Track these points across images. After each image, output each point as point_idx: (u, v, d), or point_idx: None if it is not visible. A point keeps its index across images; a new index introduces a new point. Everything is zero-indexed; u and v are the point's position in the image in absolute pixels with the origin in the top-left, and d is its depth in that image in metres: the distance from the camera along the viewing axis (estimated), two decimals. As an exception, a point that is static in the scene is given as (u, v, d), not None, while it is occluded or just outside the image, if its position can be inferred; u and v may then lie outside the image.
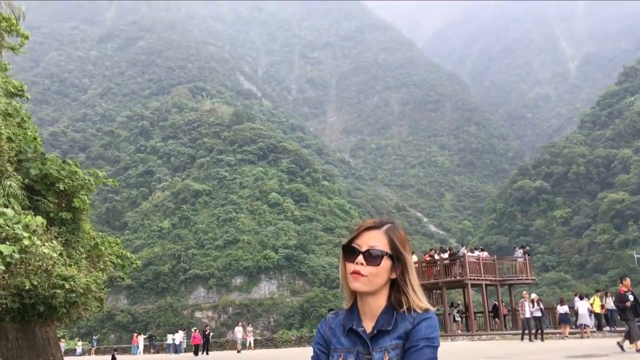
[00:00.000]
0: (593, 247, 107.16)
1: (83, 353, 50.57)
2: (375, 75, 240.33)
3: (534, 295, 23.30)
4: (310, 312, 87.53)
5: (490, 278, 29.48)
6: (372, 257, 1.77)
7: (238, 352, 32.36)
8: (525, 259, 31.29)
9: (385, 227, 1.83)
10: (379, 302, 1.84)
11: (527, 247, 34.46)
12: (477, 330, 28.91)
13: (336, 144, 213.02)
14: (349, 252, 1.82)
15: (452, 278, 28.58)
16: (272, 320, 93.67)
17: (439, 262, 28.96)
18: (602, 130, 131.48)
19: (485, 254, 31.28)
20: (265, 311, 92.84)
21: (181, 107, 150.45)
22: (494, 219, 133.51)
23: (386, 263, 1.79)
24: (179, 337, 43.71)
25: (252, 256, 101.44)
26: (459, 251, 30.67)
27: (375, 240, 1.79)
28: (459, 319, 31.01)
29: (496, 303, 30.47)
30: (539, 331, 22.71)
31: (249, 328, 37.30)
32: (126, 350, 47.29)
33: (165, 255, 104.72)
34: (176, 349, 42.84)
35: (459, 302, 38.00)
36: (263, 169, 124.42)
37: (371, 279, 1.78)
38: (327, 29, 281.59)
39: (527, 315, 22.38)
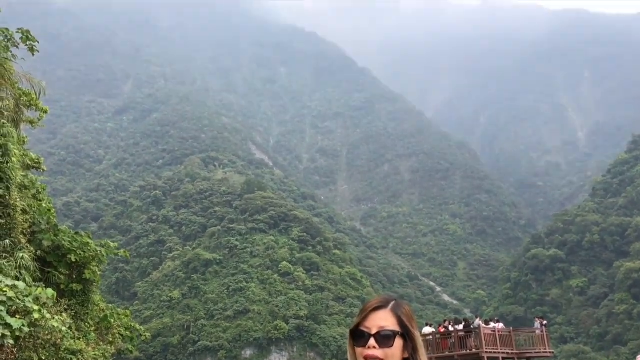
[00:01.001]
0: (612, 317, 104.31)
1: None
2: (385, 144, 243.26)
3: None
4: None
5: (507, 351, 28.64)
6: (384, 339, 1.72)
7: None
8: (542, 331, 30.50)
9: (391, 304, 1.80)
10: None
11: (545, 320, 33.58)
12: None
13: (347, 212, 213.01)
14: (358, 336, 1.77)
15: (468, 351, 27.81)
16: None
17: (453, 334, 28.28)
18: (615, 199, 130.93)
19: (501, 325, 30.55)
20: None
21: (194, 176, 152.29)
22: (508, 289, 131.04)
23: (398, 342, 1.75)
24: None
25: (263, 327, 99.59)
26: (473, 322, 29.98)
27: (384, 320, 1.75)
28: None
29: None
30: None
31: None
32: None
33: (174, 327, 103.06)
34: None
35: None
36: (274, 238, 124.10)
37: None
38: (338, 99, 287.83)
39: None
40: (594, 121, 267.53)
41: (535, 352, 29.98)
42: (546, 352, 29.76)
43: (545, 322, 32.07)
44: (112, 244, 21.26)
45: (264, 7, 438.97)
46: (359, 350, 1.76)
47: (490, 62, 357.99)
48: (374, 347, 1.73)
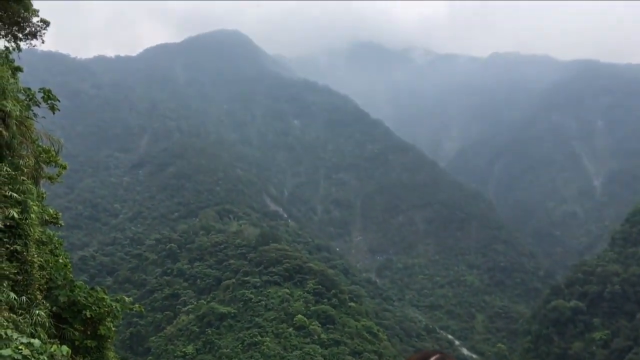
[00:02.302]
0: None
1: None
2: (399, 195, 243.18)
3: None
4: None
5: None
6: None
7: None
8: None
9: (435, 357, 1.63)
10: None
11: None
12: None
13: (362, 264, 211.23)
14: None
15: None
16: None
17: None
18: (635, 248, 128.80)
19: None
20: None
21: (208, 229, 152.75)
22: (529, 342, 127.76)
23: None
24: None
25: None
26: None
27: None
28: None
29: None
30: None
31: None
32: None
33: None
34: None
35: None
36: (289, 290, 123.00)
37: None
38: (351, 151, 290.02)
39: None
40: (609, 169, 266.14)
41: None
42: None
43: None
44: (127, 299, 21.33)
45: (279, 62, 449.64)
46: None
47: (501, 112, 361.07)
48: None
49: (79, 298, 16.33)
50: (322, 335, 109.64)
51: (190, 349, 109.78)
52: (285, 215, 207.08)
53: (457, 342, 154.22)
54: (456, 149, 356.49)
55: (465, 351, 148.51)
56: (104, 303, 16.92)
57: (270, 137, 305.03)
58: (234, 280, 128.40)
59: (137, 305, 23.12)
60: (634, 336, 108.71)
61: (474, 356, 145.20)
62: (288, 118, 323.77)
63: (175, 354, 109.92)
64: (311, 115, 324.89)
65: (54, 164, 21.23)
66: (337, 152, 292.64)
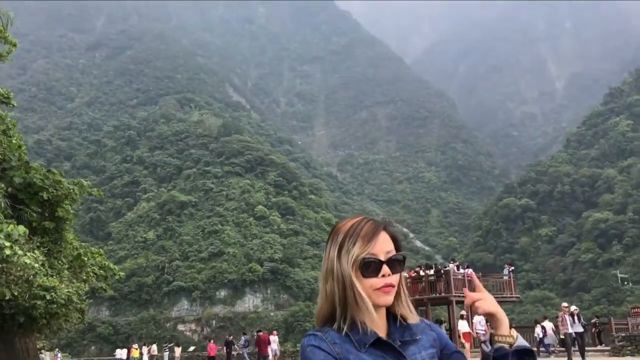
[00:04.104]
0: (577, 265, 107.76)
1: (62, 365, 49.72)
2: (363, 90, 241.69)
3: (573, 308, 21.14)
4: (294, 326, 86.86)
5: (475, 295, 29.40)
6: (397, 264, 1.55)
7: None
8: (510, 277, 31.32)
9: (386, 224, 1.61)
10: (384, 310, 1.63)
11: (513, 267, 34.41)
12: (460, 348, 28.83)
13: (324, 158, 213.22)
14: (367, 266, 1.54)
15: (437, 295, 28.51)
16: (255, 334, 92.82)
17: (424, 279, 28.89)
18: (588, 150, 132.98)
19: (470, 271, 31.26)
20: (249, 325, 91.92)
21: (169, 117, 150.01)
22: (479, 236, 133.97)
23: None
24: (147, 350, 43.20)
25: (237, 269, 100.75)
26: (446, 266, 30.60)
27: (388, 243, 1.56)
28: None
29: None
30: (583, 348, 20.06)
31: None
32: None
33: (149, 267, 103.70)
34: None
35: (443, 318, 37.96)
36: (250, 182, 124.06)
37: (395, 288, 1.58)
38: (317, 43, 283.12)
39: (570, 330, 19.81)
40: (572, 72, 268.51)
41: (502, 297, 30.86)
42: (512, 297, 30.68)
43: (513, 269, 32.86)
44: (85, 183, 20.93)
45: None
46: (370, 282, 1.53)
47: (472, 11, 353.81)
48: (389, 275, 1.53)
49: (35, 180, 15.83)
50: (282, 226, 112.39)
51: (151, 234, 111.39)
52: (248, 107, 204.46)
53: (411, 235, 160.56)
54: (424, 46, 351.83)
55: (418, 244, 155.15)
56: (62, 186, 16.49)
57: (233, 25, 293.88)
58: (195, 169, 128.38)
59: (95, 189, 22.78)
60: (577, 233, 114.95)
61: (427, 248, 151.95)
62: (252, 4, 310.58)
63: (136, 239, 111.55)
64: (277, 3, 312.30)
65: (3, 40, 19.81)
66: (302, 43, 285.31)
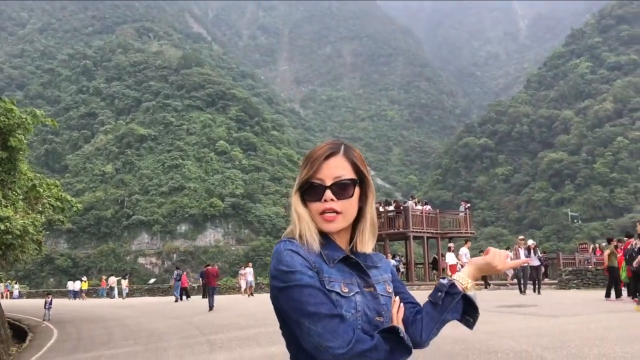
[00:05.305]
0: (530, 204, 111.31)
1: (20, 296, 49.54)
2: (328, 25, 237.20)
3: (530, 242, 21.25)
4: (255, 260, 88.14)
5: (432, 231, 30.20)
6: (343, 190, 1.49)
7: (250, 295, 30.31)
8: (466, 214, 32.12)
9: (342, 149, 1.56)
10: (348, 234, 1.60)
11: (469, 204, 35.20)
12: (416, 281, 29.76)
13: (287, 94, 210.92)
14: (310, 190, 1.51)
15: (396, 230, 29.12)
16: (216, 267, 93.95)
17: (383, 215, 29.38)
18: (547, 91, 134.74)
19: (429, 207, 31.93)
20: (210, 258, 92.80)
21: (126, 47, 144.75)
22: (439, 174, 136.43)
23: (356, 191, 1.51)
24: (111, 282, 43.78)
25: (198, 204, 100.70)
26: (406, 203, 31.11)
27: (339, 168, 1.50)
28: (403, 269, 31.74)
29: (436, 256, 31.30)
30: (537, 283, 19.84)
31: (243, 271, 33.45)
32: (65, 295, 46.59)
33: (107, 200, 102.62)
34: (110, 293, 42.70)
35: (400, 253, 39.05)
36: (211, 116, 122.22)
37: (345, 214, 1.51)
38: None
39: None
40: (536, 12, 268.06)
41: (457, 232, 31.77)
42: (467, 233, 31.57)
43: (469, 206, 33.65)
44: (39, 112, 20.20)
45: None
46: (314, 206, 1.49)
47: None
48: (332, 200, 1.47)
49: (-16, 107, 15.18)
50: (244, 161, 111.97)
51: (109, 168, 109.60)
52: (209, 39, 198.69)
53: (372, 173, 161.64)
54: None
55: (379, 181, 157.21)
56: (13, 114, 15.87)
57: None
58: (154, 102, 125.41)
59: (50, 119, 22.04)
60: (532, 173, 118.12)
61: (387, 185, 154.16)
62: None
63: (94, 173, 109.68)
64: None
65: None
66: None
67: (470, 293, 1.57)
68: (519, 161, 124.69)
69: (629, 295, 14.85)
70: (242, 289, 32.69)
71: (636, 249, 13.72)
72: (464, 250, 22.64)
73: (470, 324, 1.60)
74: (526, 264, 19.62)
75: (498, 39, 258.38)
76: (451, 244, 25.17)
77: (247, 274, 31.51)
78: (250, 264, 33.65)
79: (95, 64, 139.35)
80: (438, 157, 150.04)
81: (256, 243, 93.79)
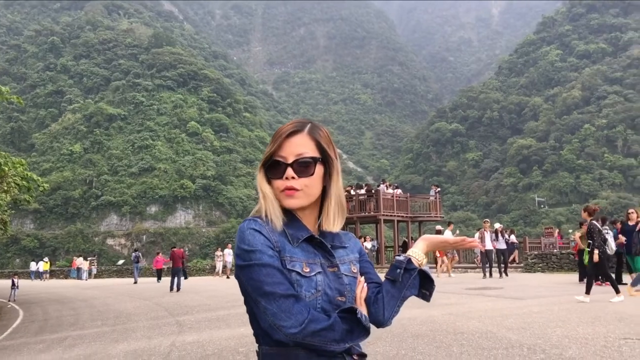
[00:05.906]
0: (499, 189, 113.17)
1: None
2: (302, 7, 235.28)
3: (497, 225, 21.27)
4: (226, 242, 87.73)
5: (402, 215, 30.48)
6: (303, 167, 1.49)
7: (228, 277, 30.08)
8: (436, 198, 32.46)
9: (307, 127, 1.54)
10: (315, 214, 1.60)
11: (439, 189, 35.57)
12: (386, 264, 30.05)
13: (259, 75, 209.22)
14: (273, 167, 1.53)
15: (367, 213, 29.32)
16: (186, 249, 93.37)
17: (354, 198, 29.53)
18: (517, 78, 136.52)
19: (399, 191, 32.17)
20: (180, 240, 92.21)
21: (95, 24, 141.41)
22: (410, 159, 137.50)
23: (318, 170, 1.51)
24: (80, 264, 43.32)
25: (169, 185, 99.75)
26: (379, 186, 31.30)
27: (302, 146, 1.50)
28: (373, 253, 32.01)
29: (406, 239, 31.61)
30: (503, 266, 19.94)
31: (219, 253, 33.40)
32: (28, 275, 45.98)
33: (75, 180, 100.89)
34: (79, 274, 42.14)
35: (371, 237, 39.32)
36: (182, 97, 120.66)
37: (307, 192, 1.51)
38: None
39: (489, 247, 19.83)
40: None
41: (427, 216, 32.14)
42: (437, 217, 31.97)
43: (439, 190, 34.01)
44: (4, 89, 19.69)
45: None
46: (276, 183, 1.51)
47: None
48: (292, 178, 1.48)
49: (-55, 82, 14.71)
50: (215, 143, 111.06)
51: (77, 147, 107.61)
52: (181, 17, 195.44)
53: (344, 156, 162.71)
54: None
55: (351, 165, 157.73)
56: (-24, 90, 15.42)
57: None
58: (124, 81, 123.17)
59: (15, 96, 21.51)
60: (502, 158, 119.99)
61: (359, 169, 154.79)
62: None
63: (62, 152, 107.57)
64: None
65: None
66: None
67: (424, 267, 1.60)
68: (488, 147, 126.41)
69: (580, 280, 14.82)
70: (216, 271, 32.77)
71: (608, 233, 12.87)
72: (448, 233, 22.86)
73: (427, 297, 1.61)
74: (491, 248, 20.00)
75: (471, 25, 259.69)
76: (439, 227, 25.43)
77: (227, 255, 31.77)
78: (230, 245, 33.59)
79: (63, 41, 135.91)
80: (410, 141, 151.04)
81: (227, 225, 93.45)
